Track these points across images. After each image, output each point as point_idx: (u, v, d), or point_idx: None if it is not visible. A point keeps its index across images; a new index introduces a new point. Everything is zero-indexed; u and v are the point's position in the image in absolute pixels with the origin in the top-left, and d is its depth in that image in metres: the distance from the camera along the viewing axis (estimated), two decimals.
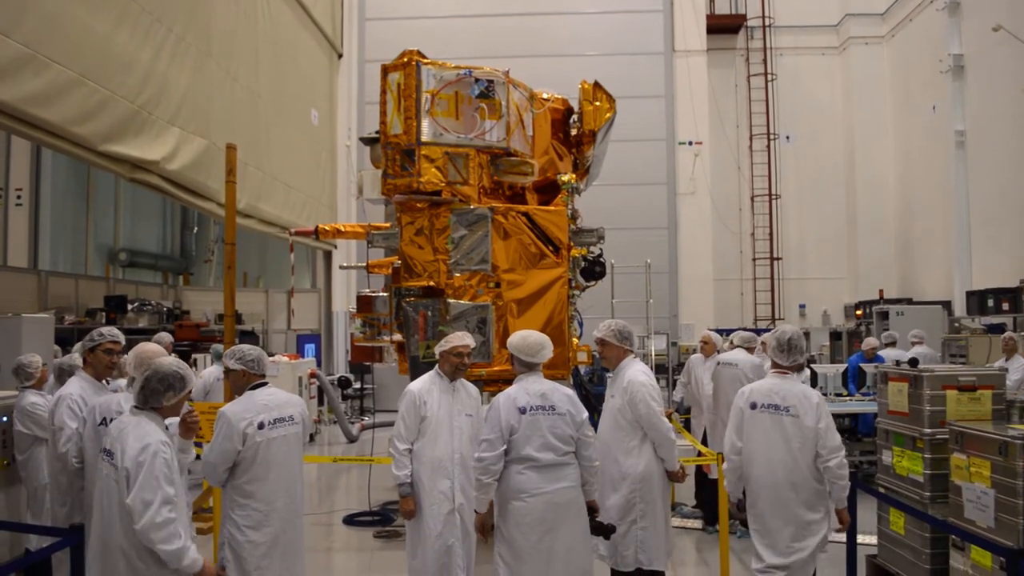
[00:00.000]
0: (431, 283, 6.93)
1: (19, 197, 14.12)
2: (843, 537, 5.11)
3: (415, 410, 4.74)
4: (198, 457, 4.07)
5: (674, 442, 4.70)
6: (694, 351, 9.04)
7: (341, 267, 17.07)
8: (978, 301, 13.74)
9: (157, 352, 4.38)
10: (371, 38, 19.63)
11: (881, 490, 5.67)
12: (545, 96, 8.29)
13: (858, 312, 18.03)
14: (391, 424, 5.04)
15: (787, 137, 20.64)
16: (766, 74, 20.55)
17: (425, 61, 6.93)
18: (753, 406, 4.61)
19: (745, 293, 20.66)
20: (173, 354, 5.32)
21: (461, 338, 4.85)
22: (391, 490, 5.79)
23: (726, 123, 20.49)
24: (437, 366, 4.90)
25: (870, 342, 10.60)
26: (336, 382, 14.83)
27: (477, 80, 6.99)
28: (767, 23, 20.61)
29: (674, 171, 19.52)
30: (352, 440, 13.14)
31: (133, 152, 9.48)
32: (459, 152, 6.96)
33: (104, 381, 4.94)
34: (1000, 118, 14.69)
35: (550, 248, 7.13)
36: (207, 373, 8.71)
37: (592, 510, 4.44)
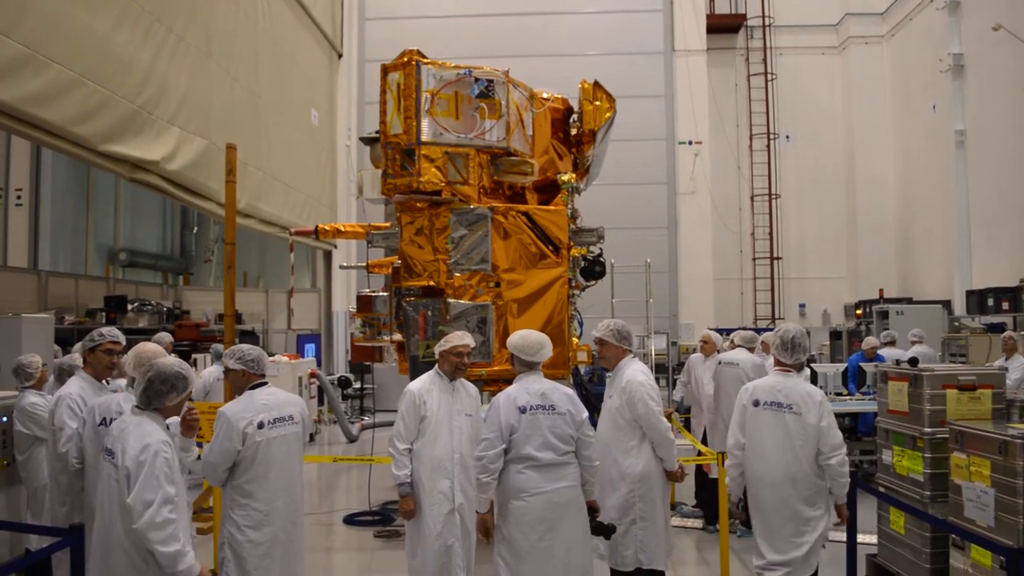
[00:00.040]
0: (431, 283, 6.93)
1: (19, 197, 14.12)
2: (843, 536, 5.13)
3: (415, 410, 4.74)
4: (199, 457, 4.07)
5: (673, 442, 4.70)
6: (694, 351, 9.04)
7: (341, 267, 17.09)
8: (978, 300, 13.73)
9: (156, 352, 4.38)
10: (371, 38, 19.63)
11: (881, 489, 5.67)
12: (545, 96, 8.28)
13: (858, 312, 18.04)
14: (391, 424, 5.04)
15: (787, 137, 20.65)
16: (766, 74, 20.56)
17: (425, 61, 6.93)
18: (756, 403, 4.67)
19: (745, 293, 20.67)
20: (173, 354, 5.31)
21: (461, 338, 4.85)
22: (391, 490, 5.79)
23: (726, 123, 20.49)
24: (437, 366, 4.89)
25: (870, 341, 10.59)
26: (336, 382, 14.82)
27: (477, 80, 6.99)
28: (767, 23, 20.62)
29: (674, 171, 19.53)
30: (352, 440, 13.14)
31: (133, 152, 9.48)
32: (459, 152, 6.96)
33: (104, 381, 4.94)
34: (1000, 117, 14.69)
35: (550, 248, 7.12)
36: (207, 373, 8.71)
37: (592, 510, 4.44)
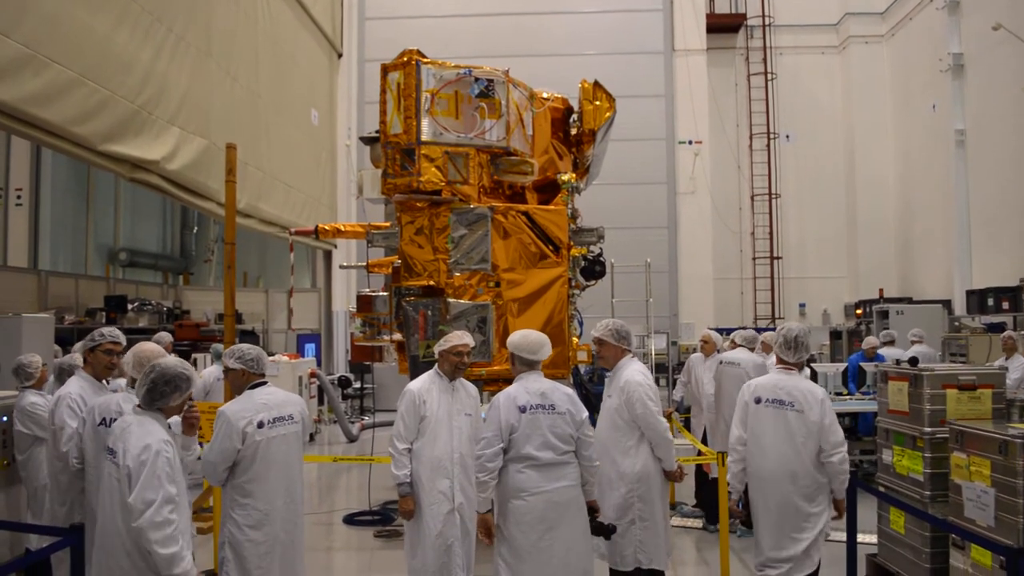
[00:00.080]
0: (431, 282, 6.92)
1: (19, 197, 14.13)
2: (843, 536, 5.13)
3: (414, 409, 4.73)
4: (199, 458, 4.07)
5: (671, 442, 4.71)
6: (694, 350, 9.03)
7: (341, 267, 17.09)
8: (978, 300, 13.73)
9: (156, 352, 4.38)
10: (371, 37, 19.64)
11: (881, 489, 5.67)
12: (545, 95, 8.28)
13: (858, 311, 18.05)
14: (391, 424, 5.03)
15: (787, 136, 20.65)
16: (766, 73, 20.56)
17: (425, 60, 6.93)
18: (758, 401, 4.75)
19: (745, 292, 20.67)
20: (172, 354, 5.30)
21: (460, 337, 4.85)
22: (391, 489, 5.79)
23: (726, 122, 20.49)
24: (436, 365, 4.89)
25: (870, 341, 10.58)
26: (336, 382, 14.82)
27: (477, 79, 6.99)
28: (767, 22, 20.62)
29: (674, 170, 19.53)
30: (352, 440, 13.14)
31: (133, 152, 9.48)
32: (459, 151, 6.96)
33: (104, 381, 4.94)
34: (1000, 117, 14.69)
35: (550, 247, 7.12)
36: (207, 373, 8.71)
37: (592, 510, 4.44)
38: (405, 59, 6.89)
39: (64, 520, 4.59)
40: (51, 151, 12.13)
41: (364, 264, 8.79)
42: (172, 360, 3.76)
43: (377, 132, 7.22)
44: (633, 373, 4.71)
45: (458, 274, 6.94)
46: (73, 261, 15.82)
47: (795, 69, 20.69)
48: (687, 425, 8.58)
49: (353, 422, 13.81)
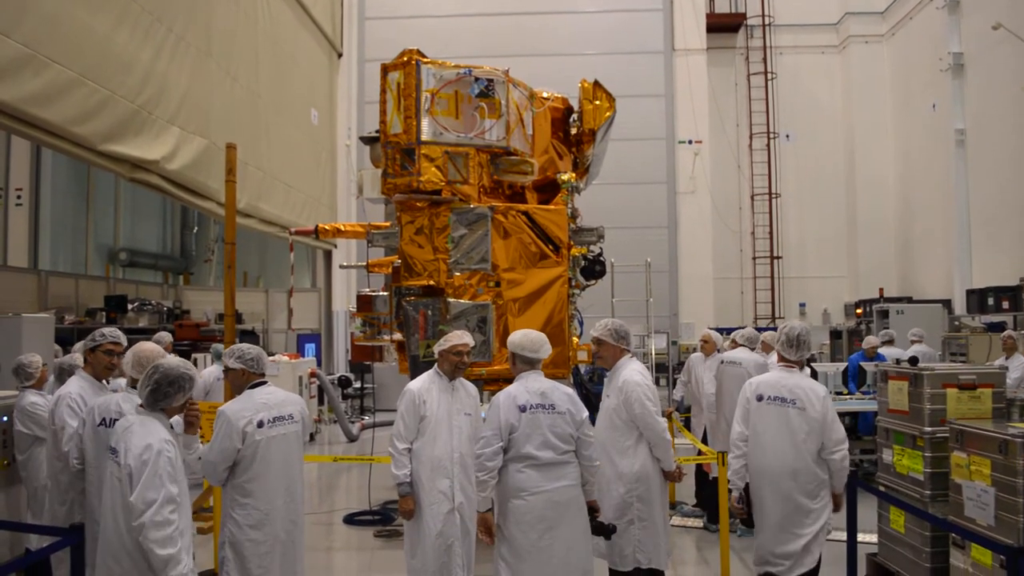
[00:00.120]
0: (431, 282, 6.92)
1: (19, 197, 14.12)
2: (844, 536, 5.14)
3: (414, 409, 4.73)
4: (199, 459, 4.07)
5: (669, 442, 4.72)
6: (694, 350, 9.03)
7: (341, 266, 17.09)
8: (978, 299, 13.73)
9: (155, 352, 4.38)
10: (371, 37, 19.64)
11: (881, 488, 5.67)
12: (545, 95, 8.28)
13: (858, 311, 18.05)
14: (391, 423, 5.03)
15: (787, 136, 20.65)
16: (766, 73, 20.55)
17: (425, 60, 6.93)
18: (760, 398, 4.82)
19: (745, 292, 20.67)
20: (172, 353, 5.31)
21: (460, 337, 4.84)
22: (391, 489, 5.79)
23: (726, 122, 20.49)
24: (436, 365, 4.89)
25: (870, 341, 10.58)
26: (336, 381, 14.82)
27: (477, 79, 6.99)
28: (767, 22, 20.61)
29: (674, 170, 19.53)
30: (352, 439, 13.14)
31: (133, 152, 9.48)
32: (459, 151, 6.96)
33: (104, 381, 4.94)
34: (1000, 117, 14.69)
35: (550, 247, 7.12)
36: (207, 372, 8.72)
37: (593, 510, 4.44)
38: (405, 59, 6.89)
39: (64, 520, 4.59)
40: (51, 151, 12.13)
41: (364, 264, 8.79)
42: (175, 360, 3.76)
43: (377, 132, 7.23)
44: (631, 373, 4.72)
45: (458, 274, 6.94)
46: (73, 261, 15.82)
47: (795, 69, 20.69)
48: (687, 425, 8.58)
49: (353, 422, 13.81)
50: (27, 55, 7.50)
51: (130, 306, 13.91)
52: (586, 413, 4.39)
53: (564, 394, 4.37)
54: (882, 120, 19.83)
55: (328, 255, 18.85)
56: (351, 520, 8.02)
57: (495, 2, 19.55)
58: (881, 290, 18.60)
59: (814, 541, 4.62)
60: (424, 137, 6.84)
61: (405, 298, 6.93)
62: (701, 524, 7.60)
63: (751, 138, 20.66)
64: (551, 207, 7.45)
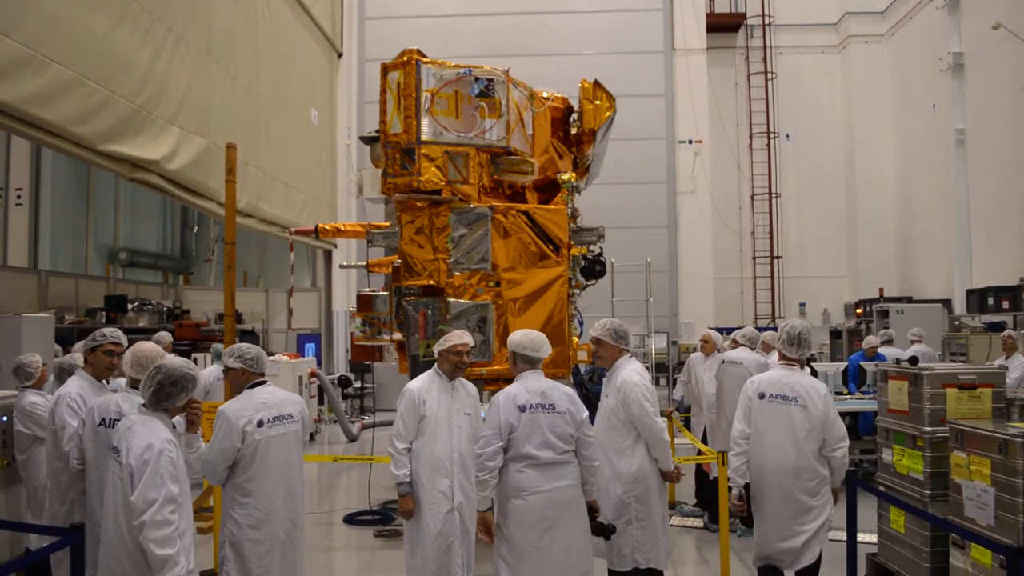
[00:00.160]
0: (431, 282, 6.92)
1: (19, 197, 14.13)
2: (843, 535, 5.15)
3: (414, 409, 4.73)
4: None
5: (667, 442, 4.74)
6: (694, 350, 9.03)
7: (341, 266, 17.09)
8: (978, 299, 13.74)
9: (155, 352, 4.37)
10: (371, 37, 19.65)
11: (881, 488, 5.67)
12: (545, 95, 8.28)
13: (858, 311, 18.05)
14: (391, 423, 5.03)
15: (787, 136, 20.66)
16: (766, 73, 20.56)
17: (425, 60, 6.93)
18: (762, 396, 4.86)
19: (745, 292, 20.68)
20: (172, 353, 5.31)
21: (460, 337, 4.84)
22: (391, 489, 5.79)
23: (726, 122, 20.50)
24: (436, 365, 4.89)
25: (870, 340, 10.59)
26: (336, 381, 14.82)
27: (477, 79, 6.99)
28: (767, 21, 20.62)
29: (674, 170, 19.53)
30: (352, 439, 13.14)
31: (133, 152, 9.48)
32: (459, 151, 6.96)
33: (104, 381, 4.94)
34: (1000, 116, 14.69)
35: (550, 247, 7.12)
36: (207, 372, 8.72)
37: (592, 510, 4.44)
38: (405, 59, 6.89)
39: (64, 520, 4.59)
40: (51, 151, 12.13)
41: (364, 264, 8.79)
42: (177, 361, 3.76)
43: (377, 132, 7.22)
44: (630, 373, 4.72)
45: (458, 274, 6.94)
46: (73, 261, 15.83)
47: (795, 68, 20.69)
48: (687, 425, 8.58)
49: (353, 422, 13.81)
50: (27, 55, 7.50)
51: (130, 306, 13.92)
52: (586, 413, 4.38)
53: (564, 394, 4.37)
54: (882, 120, 19.84)
55: (328, 255, 18.86)
56: (351, 520, 8.02)
57: (495, 2, 19.55)
58: (881, 290, 18.61)
59: (814, 538, 4.66)
60: (424, 137, 6.83)
61: (405, 298, 6.93)
62: (701, 524, 7.60)
63: (751, 138, 20.67)
64: (551, 207, 7.45)
